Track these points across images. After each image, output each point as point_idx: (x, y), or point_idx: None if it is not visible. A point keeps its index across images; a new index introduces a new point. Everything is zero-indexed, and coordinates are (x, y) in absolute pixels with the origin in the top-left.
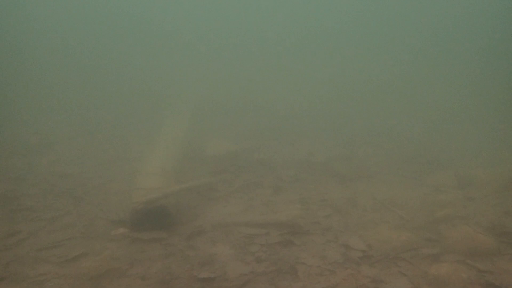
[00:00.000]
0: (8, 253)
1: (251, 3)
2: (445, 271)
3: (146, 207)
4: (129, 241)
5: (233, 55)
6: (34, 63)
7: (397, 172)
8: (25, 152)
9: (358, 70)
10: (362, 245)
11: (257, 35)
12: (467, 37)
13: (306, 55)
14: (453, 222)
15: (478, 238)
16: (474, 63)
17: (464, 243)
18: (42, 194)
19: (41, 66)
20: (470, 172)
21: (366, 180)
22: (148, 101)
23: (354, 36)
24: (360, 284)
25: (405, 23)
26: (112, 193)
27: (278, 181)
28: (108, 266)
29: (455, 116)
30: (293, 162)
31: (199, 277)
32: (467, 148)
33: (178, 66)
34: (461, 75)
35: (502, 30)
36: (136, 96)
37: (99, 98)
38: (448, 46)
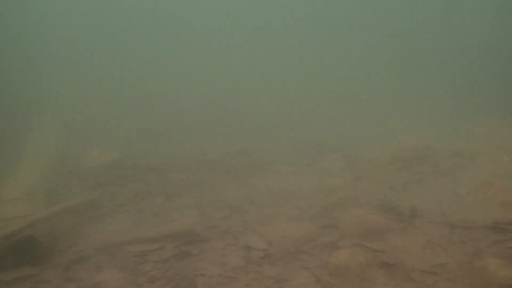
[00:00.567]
0: None
1: None
2: (343, 258)
3: (7, 242)
4: None
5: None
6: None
7: (291, 160)
8: None
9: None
10: (263, 243)
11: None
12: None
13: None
14: (346, 205)
15: (370, 218)
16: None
17: (358, 226)
18: None
19: None
20: (357, 152)
21: (261, 172)
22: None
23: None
24: (263, 287)
25: None
26: None
27: (170, 187)
28: None
29: (344, 103)
30: (185, 163)
31: None
32: (354, 132)
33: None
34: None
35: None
36: None
37: None
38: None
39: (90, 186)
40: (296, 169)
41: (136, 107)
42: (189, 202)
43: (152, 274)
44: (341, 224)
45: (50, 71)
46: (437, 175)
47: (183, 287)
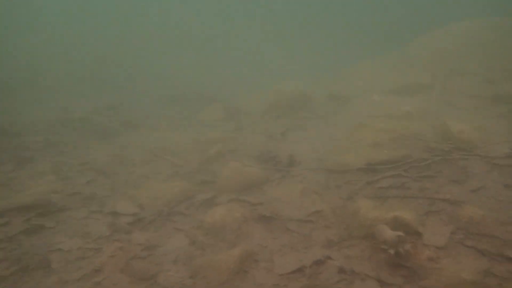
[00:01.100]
0: None
1: None
2: (219, 216)
3: None
4: None
5: None
6: None
7: (168, 114)
8: None
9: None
10: (133, 207)
11: None
12: None
13: None
14: (224, 158)
15: (247, 171)
16: None
17: (236, 179)
18: None
19: None
20: (237, 102)
21: (133, 129)
22: None
23: None
24: (131, 256)
25: None
26: None
27: (23, 151)
28: None
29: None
30: (44, 123)
31: None
32: (237, 83)
33: None
34: None
35: None
36: None
37: None
38: None
39: None
40: (172, 123)
41: None
42: (46, 167)
43: None
44: (218, 179)
45: None
46: (315, 120)
47: (32, 268)
